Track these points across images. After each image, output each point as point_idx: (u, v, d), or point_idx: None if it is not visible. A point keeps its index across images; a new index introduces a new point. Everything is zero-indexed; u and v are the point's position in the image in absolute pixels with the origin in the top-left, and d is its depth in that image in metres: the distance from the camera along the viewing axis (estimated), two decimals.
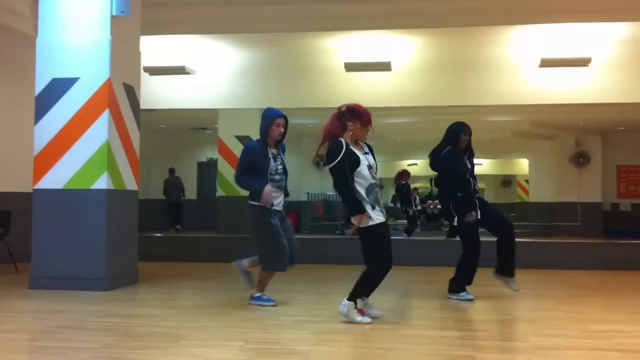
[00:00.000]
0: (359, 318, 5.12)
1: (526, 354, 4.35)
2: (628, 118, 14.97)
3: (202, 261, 9.83)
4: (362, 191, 5.13)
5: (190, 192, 18.75)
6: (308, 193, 18.71)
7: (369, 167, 5.21)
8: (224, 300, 6.06)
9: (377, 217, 5.12)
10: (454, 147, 6.62)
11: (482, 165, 18.14)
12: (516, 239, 6.54)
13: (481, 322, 5.64)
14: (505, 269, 6.54)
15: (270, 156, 5.96)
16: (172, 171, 17.45)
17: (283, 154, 6.14)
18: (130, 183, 7.62)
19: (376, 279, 5.21)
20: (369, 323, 5.10)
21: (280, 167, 6.01)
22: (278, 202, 5.98)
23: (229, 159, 12.51)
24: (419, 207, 14.61)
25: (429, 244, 10.93)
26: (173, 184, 17.34)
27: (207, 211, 16.60)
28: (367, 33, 10.02)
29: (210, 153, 17.83)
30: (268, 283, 6.07)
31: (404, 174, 14.35)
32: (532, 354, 4.34)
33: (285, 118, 6.05)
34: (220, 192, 12.67)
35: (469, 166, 6.62)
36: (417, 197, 14.13)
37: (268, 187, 5.82)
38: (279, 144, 6.11)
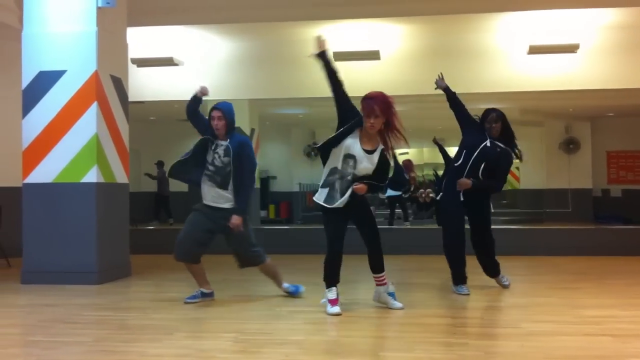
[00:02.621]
0: (328, 309, 5.14)
1: (519, 340, 4.37)
2: (617, 104, 15.02)
3: None
4: (326, 170, 5.17)
5: (181, 184, 18.62)
6: (300, 183, 18.72)
7: (348, 155, 5.08)
8: (216, 292, 6.03)
9: (319, 197, 5.18)
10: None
11: None
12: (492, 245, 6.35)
13: (474, 309, 5.66)
14: (490, 271, 6.43)
15: (212, 146, 5.69)
16: (160, 164, 17.40)
17: (237, 149, 5.65)
18: (120, 176, 7.59)
19: (325, 265, 5.26)
20: (339, 313, 5.07)
21: (217, 160, 5.64)
22: (210, 195, 5.71)
23: None
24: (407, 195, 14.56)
25: (422, 232, 10.93)
26: (162, 177, 17.31)
27: (198, 203, 16.51)
28: (355, 22, 9.98)
29: None
30: (193, 275, 5.91)
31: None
32: (525, 340, 4.36)
33: (223, 110, 5.66)
34: None
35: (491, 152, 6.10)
36: (412, 186, 14.04)
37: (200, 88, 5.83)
38: (231, 132, 5.72)
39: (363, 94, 11.33)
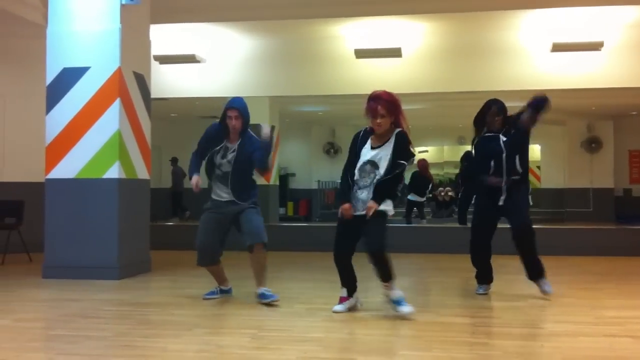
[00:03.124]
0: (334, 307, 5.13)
1: (540, 340, 4.35)
2: None
3: None
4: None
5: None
6: (319, 181, 18.74)
7: (365, 163, 4.97)
8: (236, 288, 6.06)
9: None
10: (479, 131, 6.00)
11: None
12: (532, 241, 5.88)
13: (493, 309, 5.63)
14: (528, 272, 5.94)
15: (221, 149, 5.57)
16: (175, 160, 17.54)
17: (252, 147, 5.53)
18: (141, 172, 7.65)
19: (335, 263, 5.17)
20: (338, 312, 5.07)
21: (226, 166, 5.55)
22: (224, 193, 5.61)
23: None
24: (429, 195, 14.48)
25: (441, 231, 10.90)
26: (176, 174, 17.46)
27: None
28: (376, 19, 9.97)
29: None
30: (214, 276, 5.90)
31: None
32: (545, 340, 4.34)
33: (240, 110, 5.48)
34: None
35: (502, 147, 5.75)
36: (431, 185, 13.92)
37: (194, 179, 5.55)
38: (244, 134, 5.55)
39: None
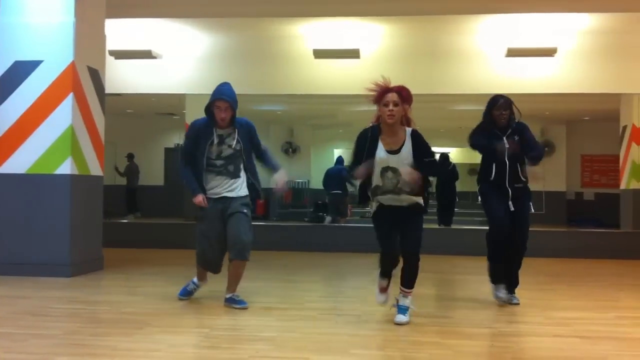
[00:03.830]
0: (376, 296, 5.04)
1: (489, 340, 4.41)
2: (592, 108, 15.19)
3: (169, 247, 9.77)
4: (372, 194, 4.85)
5: (157, 178, 18.61)
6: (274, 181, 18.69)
7: (385, 169, 4.69)
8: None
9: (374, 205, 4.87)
10: (483, 124, 5.72)
11: (450, 154, 18.28)
12: (522, 257, 5.78)
13: (445, 309, 5.69)
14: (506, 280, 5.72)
15: (215, 138, 5.20)
16: (131, 156, 17.38)
17: (247, 133, 5.30)
18: (94, 168, 7.52)
19: (380, 259, 4.92)
20: (381, 302, 5.02)
21: (227, 151, 5.22)
22: (224, 187, 5.27)
23: None
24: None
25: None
26: (132, 170, 17.31)
27: (174, 197, 16.51)
28: (335, 20, 9.99)
29: (178, 139, 17.68)
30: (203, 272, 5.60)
31: None
32: (495, 340, 4.40)
33: (231, 101, 5.15)
34: None
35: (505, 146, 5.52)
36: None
37: (199, 197, 5.21)
38: (234, 119, 5.23)
39: (342, 92, 11.40)
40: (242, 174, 5.32)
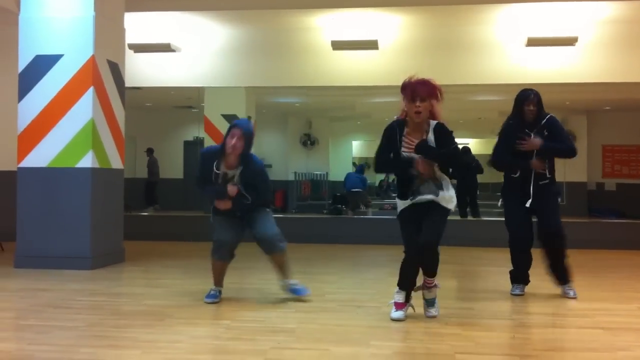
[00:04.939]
0: (391, 313, 4.64)
1: (510, 332, 4.39)
2: (613, 98, 15.00)
3: (188, 240, 9.84)
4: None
5: (177, 171, 18.70)
6: (295, 172, 18.71)
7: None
8: (209, 279, 6.01)
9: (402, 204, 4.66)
10: (513, 118, 5.64)
11: (470, 145, 18.20)
12: (562, 247, 5.65)
13: (466, 300, 5.67)
14: (556, 277, 5.71)
15: (220, 175, 5.11)
16: (150, 151, 17.49)
17: (251, 174, 5.15)
18: (115, 161, 7.58)
19: (402, 266, 4.71)
20: (398, 319, 4.58)
21: (229, 185, 5.11)
22: (238, 206, 5.20)
23: (215, 138, 12.43)
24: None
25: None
26: (152, 164, 17.42)
27: (193, 190, 16.58)
28: (353, 11, 9.95)
29: (197, 132, 17.74)
30: (217, 274, 5.39)
31: None
32: (517, 332, 4.39)
33: (244, 129, 5.01)
34: None
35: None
36: None
37: (227, 204, 5.11)
38: (245, 158, 5.08)
39: (361, 84, 11.39)
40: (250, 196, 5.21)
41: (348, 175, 15.45)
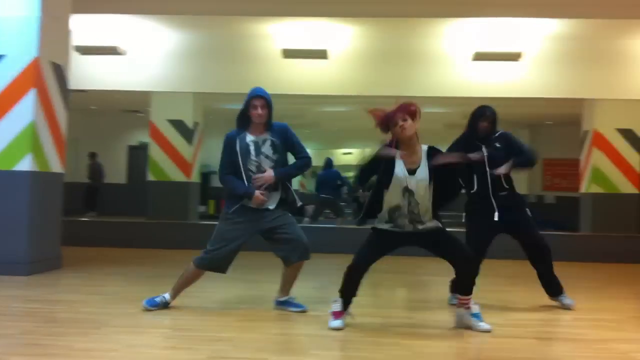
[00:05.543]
0: (330, 322, 4.66)
1: (448, 341, 4.44)
2: (555, 112, 15.43)
3: (130, 246, 9.67)
4: (385, 209, 4.63)
5: (120, 176, 18.43)
6: None
7: (406, 190, 4.53)
8: (149, 286, 5.95)
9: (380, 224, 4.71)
10: (467, 132, 5.69)
11: None
12: (551, 259, 5.83)
13: (405, 309, 5.73)
14: (548, 290, 5.84)
15: (251, 146, 5.05)
16: (93, 155, 17.22)
17: (284, 140, 5.14)
18: (55, 165, 7.41)
19: (348, 274, 4.73)
20: (337, 328, 4.58)
21: (265, 162, 5.04)
22: (270, 200, 5.10)
23: (160, 143, 12.30)
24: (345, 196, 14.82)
25: (359, 232, 10.96)
26: (94, 168, 17.15)
27: (137, 195, 16.37)
28: (305, 20, 10.00)
29: (142, 136, 17.52)
30: (184, 285, 5.27)
31: None
32: (453, 341, 4.44)
33: (267, 98, 5.04)
34: (150, 177, 12.46)
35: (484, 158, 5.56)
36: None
37: (258, 197, 4.99)
38: (270, 127, 5.10)
39: (311, 92, 11.39)
40: (279, 186, 5.14)
41: (318, 177, 13.75)
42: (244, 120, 5.12)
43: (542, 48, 10.52)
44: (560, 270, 5.91)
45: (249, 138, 5.08)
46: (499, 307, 5.72)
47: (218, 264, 5.14)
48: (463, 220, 5.78)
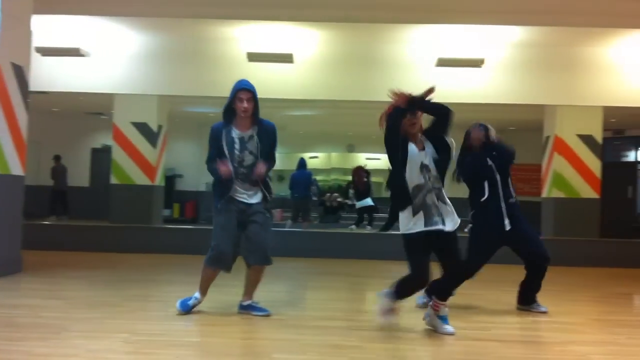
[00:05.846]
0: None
1: (411, 344, 4.48)
2: (518, 118, 15.65)
3: (92, 251, 9.54)
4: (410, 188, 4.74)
5: (83, 179, 18.19)
6: (206, 183, 18.51)
7: (423, 165, 4.77)
8: (112, 291, 5.89)
9: (413, 226, 4.69)
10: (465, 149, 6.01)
11: (379, 161, 18.50)
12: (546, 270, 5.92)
13: (369, 313, 5.75)
14: (526, 298, 5.94)
15: (237, 142, 5.07)
16: (57, 158, 16.97)
17: (266, 137, 5.13)
18: (15, 167, 7.29)
19: (406, 283, 4.81)
20: (387, 322, 4.82)
21: (249, 158, 5.07)
22: (247, 193, 5.13)
23: (124, 146, 12.17)
24: (315, 198, 14.80)
25: (326, 236, 11.01)
26: (58, 172, 16.91)
27: (99, 199, 16.19)
28: (270, 24, 9.98)
29: (105, 139, 17.33)
30: (207, 283, 5.27)
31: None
32: (417, 344, 4.48)
33: (253, 91, 5.10)
34: (113, 180, 12.31)
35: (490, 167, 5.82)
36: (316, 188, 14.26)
37: (224, 167, 4.97)
38: (256, 122, 5.11)
39: (276, 96, 11.37)
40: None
41: (292, 177, 13.59)
42: (230, 114, 5.10)
43: (504, 55, 10.67)
44: (522, 274, 6.00)
45: (235, 133, 5.08)
46: (462, 310, 5.78)
47: (221, 255, 5.10)
48: (466, 230, 5.81)
